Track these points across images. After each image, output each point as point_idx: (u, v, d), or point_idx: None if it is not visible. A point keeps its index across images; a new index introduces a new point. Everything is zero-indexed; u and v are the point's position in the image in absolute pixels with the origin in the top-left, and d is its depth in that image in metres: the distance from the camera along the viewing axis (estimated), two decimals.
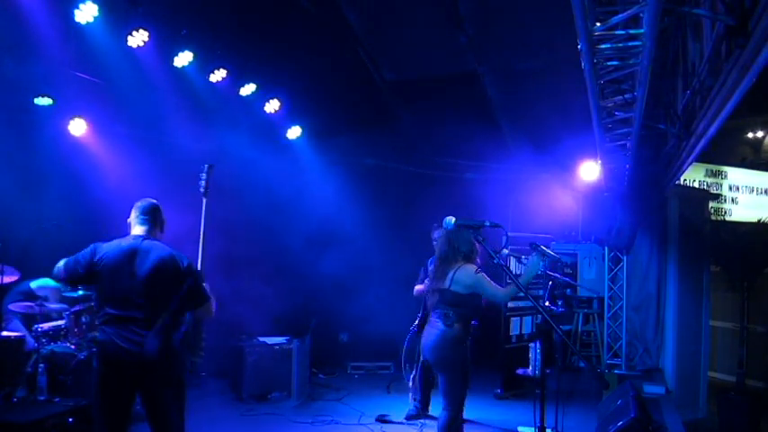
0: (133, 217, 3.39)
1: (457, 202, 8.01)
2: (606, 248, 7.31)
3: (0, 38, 4.97)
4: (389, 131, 8.63)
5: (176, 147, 6.68)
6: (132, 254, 3.18)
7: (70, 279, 3.29)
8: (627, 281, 7.11)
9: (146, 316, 3.11)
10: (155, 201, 3.48)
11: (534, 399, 4.19)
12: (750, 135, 11.35)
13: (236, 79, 6.46)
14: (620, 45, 3.05)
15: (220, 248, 6.56)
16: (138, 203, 3.42)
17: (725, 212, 9.28)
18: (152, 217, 3.40)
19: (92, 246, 3.23)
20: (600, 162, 5.51)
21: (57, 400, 4.57)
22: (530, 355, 4.78)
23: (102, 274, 3.14)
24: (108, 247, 3.21)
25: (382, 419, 5.58)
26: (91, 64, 5.62)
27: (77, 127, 6.10)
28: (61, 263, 3.26)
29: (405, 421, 5.63)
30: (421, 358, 5.62)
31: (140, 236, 3.31)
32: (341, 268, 6.78)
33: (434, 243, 5.67)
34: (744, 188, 9.54)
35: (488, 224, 3.43)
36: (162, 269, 3.18)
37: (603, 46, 3.06)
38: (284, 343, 6.39)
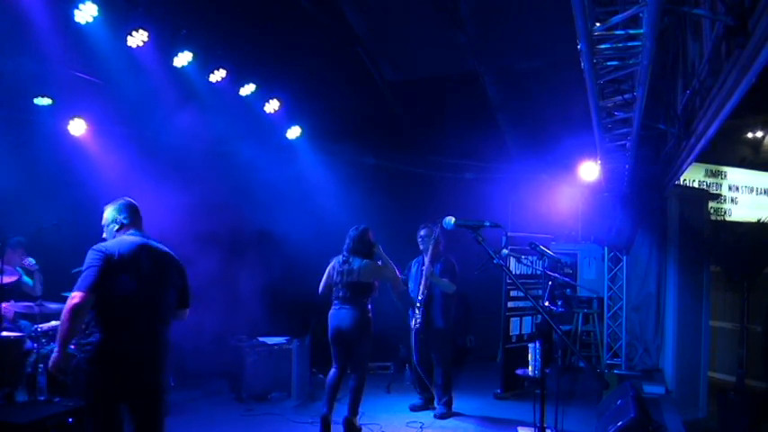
0: (121, 217, 3.27)
1: (457, 202, 8.01)
2: (606, 248, 7.31)
3: (0, 38, 4.97)
4: (390, 131, 8.63)
5: (176, 147, 6.68)
6: (146, 250, 3.13)
7: (98, 289, 2.99)
8: (627, 281, 7.11)
9: (153, 314, 3.10)
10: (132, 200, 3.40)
11: (534, 399, 4.20)
12: (750, 135, 11.34)
13: (236, 79, 6.46)
14: (620, 45, 3.04)
15: (221, 249, 6.58)
16: (124, 203, 3.32)
17: (725, 212, 9.28)
18: (140, 216, 3.34)
19: (97, 252, 3.02)
20: (600, 162, 5.51)
21: (57, 400, 4.57)
22: (530, 355, 4.78)
23: (118, 273, 3.01)
24: (116, 245, 3.09)
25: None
26: (91, 64, 5.61)
27: (77, 127, 6.10)
28: (83, 286, 2.94)
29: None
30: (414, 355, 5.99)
31: (139, 233, 3.26)
32: None
33: (419, 241, 5.93)
34: (744, 188, 9.54)
35: (488, 224, 3.43)
36: (168, 267, 3.18)
37: (603, 46, 3.06)
38: (284, 343, 6.39)
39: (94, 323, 3.01)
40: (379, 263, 5.18)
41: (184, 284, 3.31)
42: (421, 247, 5.93)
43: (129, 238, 3.19)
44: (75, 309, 2.87)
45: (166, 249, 3.26)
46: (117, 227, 3.27)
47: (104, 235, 3.33)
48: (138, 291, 3.05)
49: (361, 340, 5.03)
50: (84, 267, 2.99)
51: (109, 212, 3.32)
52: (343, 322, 5.00)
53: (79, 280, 2.95)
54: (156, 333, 3.12)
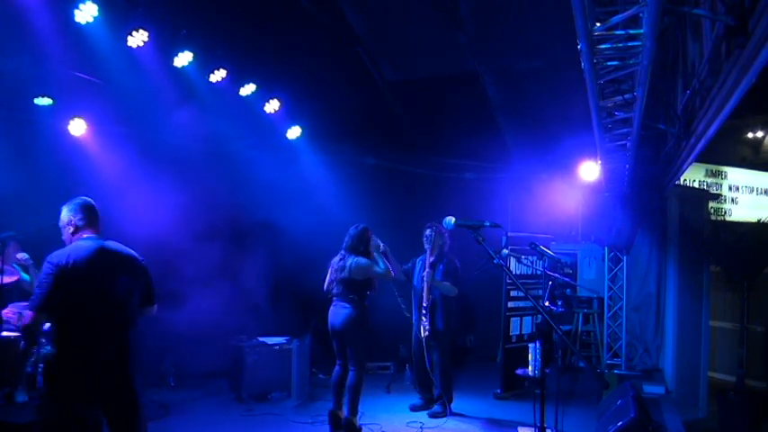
0: (76, 219, 3.18)
1: (457, 202, 8.01)
2: (606, 248, 7.31)
3: (0, 38, 4.97)
4: (389, 131, 8.63)
5: (176, 147, 6.68)
6: (101, 254, 3.07)
7: (50, 307, 2.93)
8: (627, 281, 7.11)
9: (116, 317, 3.07)
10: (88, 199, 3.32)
11: (534, 399, 4.20)
12: (750, 135, 11.35)
13: (236, 79, 6.46)
14: (620, 45, 3.05)
15: (221, 249, 6.58)
16: (80, 203, 3.23)
17: (725, 212, 9.29)
18: (97, 216, 3.24)
19: (50, 265, 2.95)
20: (600, 162, 5.51)
21: None
22: (530, 355, 4.78)
23: (73, 281, 2.94)
24: (70, 253, 3.01)
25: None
26: (91, 64, 5.61)
27: (77, 127, 6.10)
28: (33, 306, 2.91)
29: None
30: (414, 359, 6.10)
31: (96, 236, 3.18)
32: None
33: (424, 240, 5.95)
34: (744, 188, 9.55)
35: (488, 224, 3.44)
36: (128, 268, 3.15)
37: (603, 46, 3.06)
38: (284, 343, 6.39)
39: (57, 333, 2.97)
40: (376, 257, 5.22)
41: (147, 282, 3.26)
42: (426, 246, 5.94)
43: (85, 243, 3.10)
44: (28, 327, 3.02)
45: (125, 249, 3.21)
46: (72, 229, 3.18)
47: (64, 236, 3.25)
48: (98, 296, 3.00)
49: (354, 336, 5.07)
50: (37, 282, 2.98)
51: (64, 213, 3.23)
52: (337, 319, 5.10)
53: (32, 297, 2.94)
54: (121, 336, 3.08)
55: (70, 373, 2.93)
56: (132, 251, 3.25)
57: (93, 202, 3.29)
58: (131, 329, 3.14)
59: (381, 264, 5.12)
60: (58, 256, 2.98)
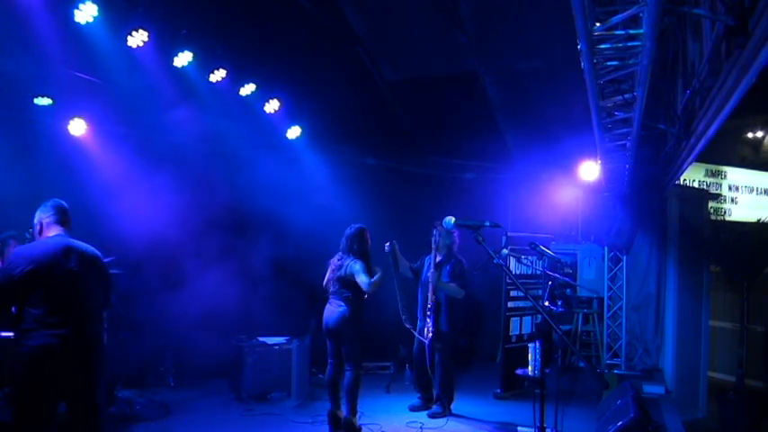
0: (44, 216, 3.27)
1: (457, 202, 8.01)
2: (606, 248, 7.31)
3: (0, 38, 4.97)
4: (389, 131, 8.63)
5: (176, 147, 6.68)
6: (66, 250, 3.14)
7: (6, 293, 3.04)
8: (626, 281, 7.11)
9: (87, 311, 3.13)
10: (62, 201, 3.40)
11: (534, 399, 4.20)
12: (750, 135, 11.36)
13: (236, 79, 6.46)
14: (620, 45, 3.05)
15: (222, 249, 6.58)
16: (51, 204, 3.32)
17: (725, 212, 9.29)
18: (68, 217, 3.33)
19: (15, 255, 3.06)
20: (600, 162, 5.51)
21: None
22: (530, 355, 4.78)
23: (37, 275, 3.00)
24: (35, 248, 3.11)
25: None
26: (91, 64, 5.61)
27: (77, 127, 6.10)
28: None
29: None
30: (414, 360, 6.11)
31: (62, 234, 3.26)
32: None
33: (432, 239, 5.88)
34: (743, 188, 9.55)
35: (488, 224, 3.45)
36: (94, 264, 3.23)
37: (603, 46, 3.07)
38: (284, 343, 6.39)
39: (21, 328, 3.03)
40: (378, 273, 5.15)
41: (108, 284, 3.36)
42: (433, 246, 5.91)
43: (51, 240, 3.20)
44: None
45: (91, 249, 3.29)
46: (39, 228, 3.28)
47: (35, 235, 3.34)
48: (60, 292, 3.06)
49: (348, 335, 5.08)
50: None
51: (36, 214, 3.31)
52: (331, 317, 5.11)
53: None
54: (84, 332, 3.12)
55: (35, 366, 2.98)
56: (98, 253, 3.32)
57: (65, 204, 3.36)
58: (96, 325, 3.19)
59: (374, 276, 5.02)
60: (15, 255, 3.08)
